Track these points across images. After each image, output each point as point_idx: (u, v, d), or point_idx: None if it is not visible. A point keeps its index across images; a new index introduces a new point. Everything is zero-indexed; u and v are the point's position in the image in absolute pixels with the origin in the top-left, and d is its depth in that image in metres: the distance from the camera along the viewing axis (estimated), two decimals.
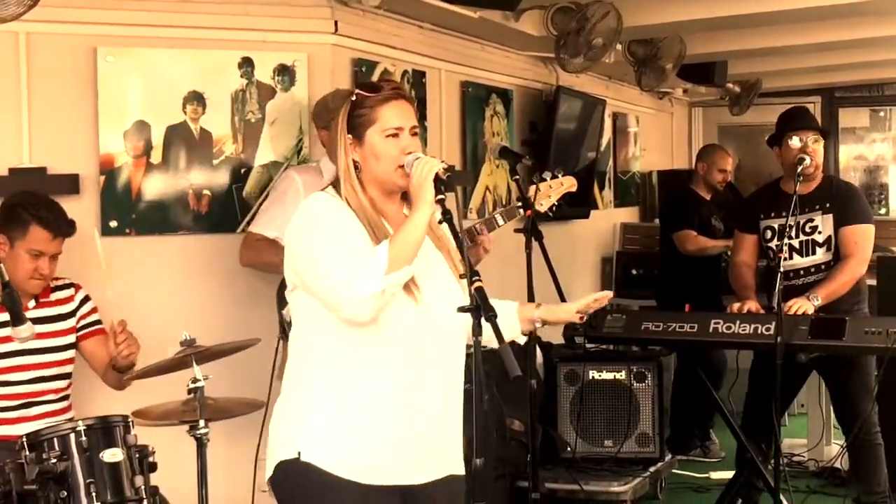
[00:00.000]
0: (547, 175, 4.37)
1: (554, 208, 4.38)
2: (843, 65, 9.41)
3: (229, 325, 4.58)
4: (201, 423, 3.71)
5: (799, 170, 5.22)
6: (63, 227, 4.06)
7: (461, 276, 2.92)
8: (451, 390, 3.06)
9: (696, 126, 11.41)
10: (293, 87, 5.05)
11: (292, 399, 3.04)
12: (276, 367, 4.39)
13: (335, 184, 3.05)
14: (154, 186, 4.86)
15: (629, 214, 9.70)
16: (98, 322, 4.28)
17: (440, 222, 2.96)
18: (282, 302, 4.43)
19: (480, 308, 2.78)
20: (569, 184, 4.47)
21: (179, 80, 4.89)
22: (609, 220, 9.20)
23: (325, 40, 5.13)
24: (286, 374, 3.11)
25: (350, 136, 3.01)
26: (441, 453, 3.04)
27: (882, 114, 11.62)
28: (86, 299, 4.27)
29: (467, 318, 2.81)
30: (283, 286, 4.45)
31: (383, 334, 2.93)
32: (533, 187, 4.34)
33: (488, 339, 2.78)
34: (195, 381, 3.71)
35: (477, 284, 2.81)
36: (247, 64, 4.99)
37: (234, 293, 4.82)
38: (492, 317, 2.76)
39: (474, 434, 2.78)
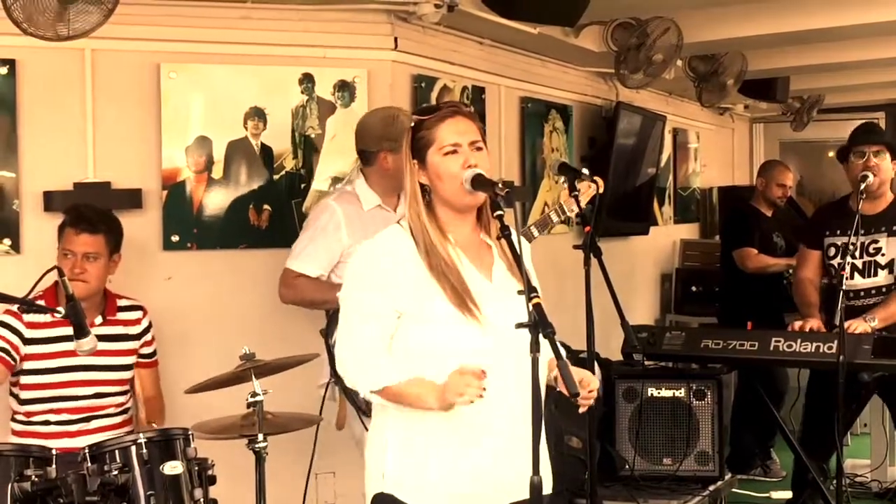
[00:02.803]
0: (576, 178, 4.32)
1: (581, 213, 4.31)
2: None
3: (288, 340, 4.58)
4: (260, 437, 3.72)
5: (862, 187, 5.16)
6: (89, 223, 4.09)
7: (519, 293, 2.90)
8: (520, 416, 2.94)
9: (757, 142, 11.32)
10: (353, 102, 5.09)
11: (375, 429, 3.09)
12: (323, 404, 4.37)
13: None
14: (215, 201, 4.91)
15: (689, 231, 9.63)
16: (154, 354, 4.37)
17: (498, 238, 2.97)
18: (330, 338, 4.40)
19: (538, 324, 2.77)
20: (596, 186, 4.46)
21: (241, 95, 4.94)
22: (669, 236, 9.15)
23: (385, 56, 5.16)
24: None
25: (415, 160, 3.02)
26: (523, 474, 3.00)
27: None
28: (150, 327, 4.33)
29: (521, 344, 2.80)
30: (330, 322, 4.43)
31: (447, 361, 2.91)
32: (563, 193, 4.31)
33: None
34: (254, 395, 3.73)
35: (535, 301, 2.79)
36: (307, 80, 5.03)
37: (294, 308, 4.83)
38: (550, 333, 2.74)
39: (533, 451, 2.77)
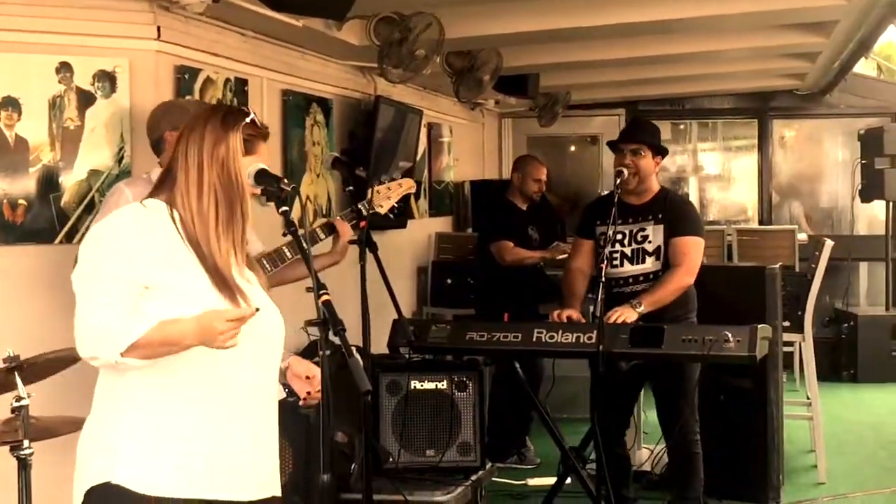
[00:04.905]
0: (385, 178, 4.41)
1: (395, 210, 4.40)
2: (646, 79, 9.77)
3: (52, 339, 4.39)
4: (25, 443, 3.57)
5: (617, 182, 5.38)
6: None
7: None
8: (268, 408, 3.00)
9: (506, 137, 11.61)
10: (114, 93, 4.90)
11: (104, 422, 2.91)
12: None
13: (159, 189, 2.95)
14: None
15: (443, 224, 9.79)
16: None
17: (284, 234, 2.99)
18: None
19: (328, 322, 2.77)
20: (407, 185, 4.54)
21: None
22: (424, 230, 9.26)
23: (147, 46, 4.99)
24: (96, 394, 2.96)
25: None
26: (262, 472, 2.99)
27: (682, 127, 12.09)
28: None
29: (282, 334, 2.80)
30: None
31: (189, 354, 2.85)
32: (371, 189, 4.35)
33: None
34: (19, 399, 3.57)
35: (324, 298, 2.80)
36: (65, 69, 4.81)
37: (55, 306, 4.63)
38: (340, 331, 2.76)
39: (321, 450, 2.78)
